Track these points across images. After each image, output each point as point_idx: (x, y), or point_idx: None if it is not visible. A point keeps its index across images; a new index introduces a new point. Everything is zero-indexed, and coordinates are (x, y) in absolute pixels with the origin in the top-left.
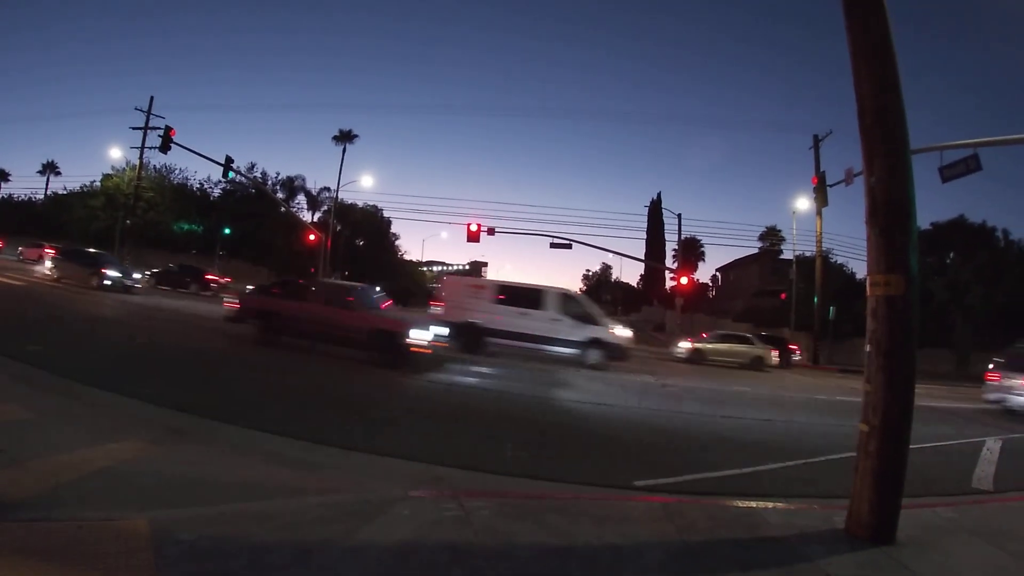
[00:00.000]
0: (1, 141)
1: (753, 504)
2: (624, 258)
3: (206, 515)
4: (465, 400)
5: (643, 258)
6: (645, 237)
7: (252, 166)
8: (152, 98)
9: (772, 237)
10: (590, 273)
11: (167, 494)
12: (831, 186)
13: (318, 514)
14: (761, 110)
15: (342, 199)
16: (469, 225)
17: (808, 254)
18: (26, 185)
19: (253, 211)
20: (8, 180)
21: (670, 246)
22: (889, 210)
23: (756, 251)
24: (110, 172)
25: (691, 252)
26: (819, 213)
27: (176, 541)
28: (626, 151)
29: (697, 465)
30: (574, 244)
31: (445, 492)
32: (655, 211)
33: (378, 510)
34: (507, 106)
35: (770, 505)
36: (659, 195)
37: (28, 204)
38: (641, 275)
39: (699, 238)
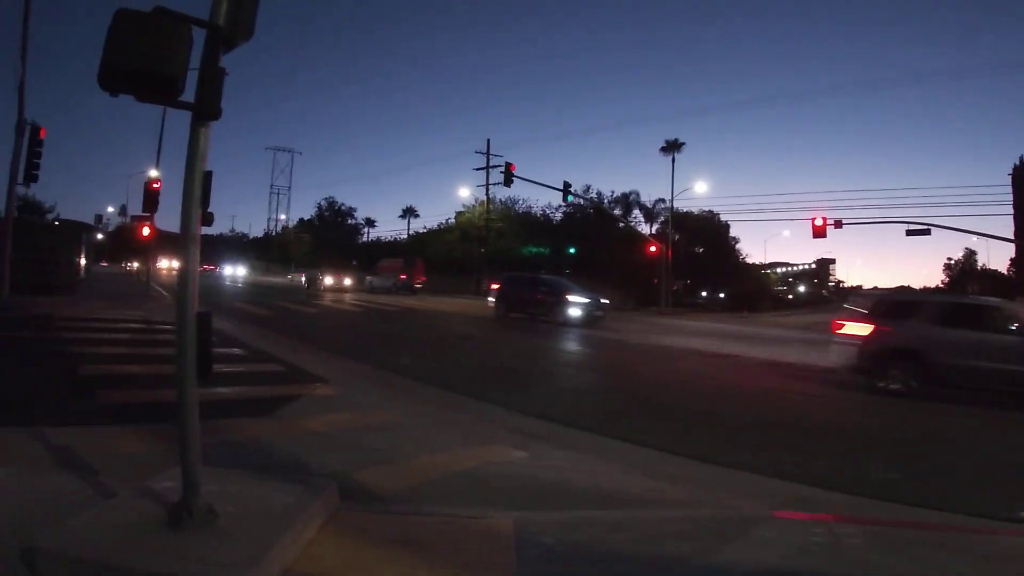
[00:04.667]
0: (368, 194)
1: None
2: (992, 240)
3: (565, 520)
4: (808, 411)
5: (1012, 237)
6: (1013, 212)
7: (587, 187)
8: (489, 140)
9: None
10: (952, 262)
11: (528, 497)
12: None
13: (675, 528)
14: None
15: (677, 208)
16: (814, 220)
17: None
18: (390, 228)
19: (593, 230)
20: (375, 226)
21: None
22: None
23: None
24: (461, 209)
25: None
26: None
27: (537, 543)
28: (981, 110)
29: None
30: (933, 229)
31: (809, 515)
32: (1019, 180)
33: (739, 529)
34: (838, 85)
35: None
36: (1022, 160)
37: (394, 243)
38: (1012, 259)
39: None
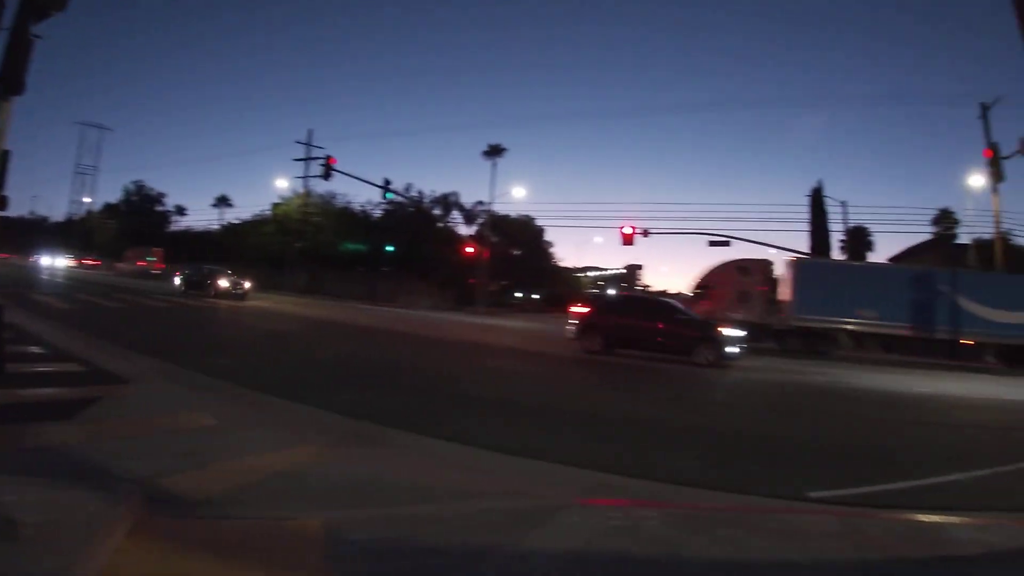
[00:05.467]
0: (178, 180)
1: (937, 519)
2: (788, 253)
3: (377, 516)
4: (617, 404)
5: (807, 252)
6: (809, 229)
7: (408, 186)
8: (311, 131)
9: (946, 221)
10: None
11: (341, 496)
12: (1005, 158)
13: (486, 518)
14: (920, 83)
15: (496, 211)
16: (622, 228)
17: (988, 236)
18: (201, 218)
19: (413, 228)
20: (185, 214)
21: (836, 237)
22: None
23: (931, 237)
24: (278, 201)
25: (858, 242)
26: (995, 190)
27: (347, 541)
28: (781, 139)
29: (877, 475)
30: (733, 241)
31: (611, 500)
32: (816, 201)
33: (545, 517)
34: (653, 104)
35: (956, 520)
36: (820, 183)
37: (206, 234)
38: None
39: (866, 226)
